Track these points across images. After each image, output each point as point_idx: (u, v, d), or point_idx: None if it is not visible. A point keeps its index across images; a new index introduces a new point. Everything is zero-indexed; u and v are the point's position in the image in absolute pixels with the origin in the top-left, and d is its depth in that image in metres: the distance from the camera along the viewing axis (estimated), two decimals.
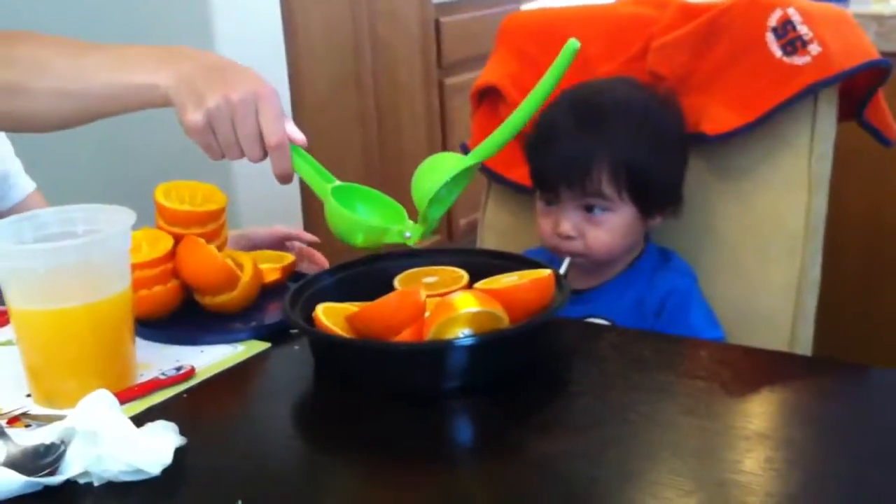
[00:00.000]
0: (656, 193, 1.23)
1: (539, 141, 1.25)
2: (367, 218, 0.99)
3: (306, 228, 2.07)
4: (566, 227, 1.22)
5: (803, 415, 0.87)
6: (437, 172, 0.95)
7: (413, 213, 0.99)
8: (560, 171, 1.20)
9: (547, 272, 0.97)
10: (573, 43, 0.91)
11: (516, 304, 0.92)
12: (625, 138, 1.20)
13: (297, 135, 0.96)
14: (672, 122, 1.25)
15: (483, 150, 0.96)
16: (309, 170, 0.98)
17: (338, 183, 0.98)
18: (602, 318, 1.24)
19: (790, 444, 0.80)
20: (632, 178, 1.20)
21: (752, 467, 0.75)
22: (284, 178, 0.97)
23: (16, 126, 1.09)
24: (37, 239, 0.93)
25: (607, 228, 1.22)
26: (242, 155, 0.96)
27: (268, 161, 0.96)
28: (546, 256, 1.27)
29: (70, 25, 2.18)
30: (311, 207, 2.28)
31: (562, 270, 1.21)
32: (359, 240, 0.97)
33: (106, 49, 1.00)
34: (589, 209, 1.22)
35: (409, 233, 0.96)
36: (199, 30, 2.04)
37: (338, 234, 0.97)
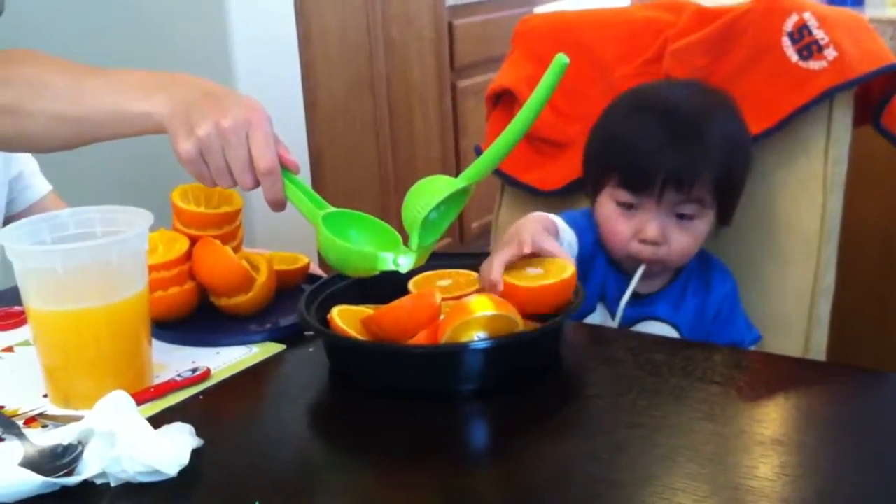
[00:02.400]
0: (735, 200, 1.24)
1: (634, 147, 1.20)
2: (359, 245, 0.94)
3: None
4: (654, 232, 1.18)
5: (818, 420, 0.87)
6: (426, 196, 0.91)
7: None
8: (670, 178, 1.16)
9: (570, 270, 0.97)
10: (561, 58, 0.86)
11: (541, 301, 0.93)
12: (722, 148, 1.18)
13: (290, 159, 0.94)
14: (747, 129, 1.24)
15: (474, 171, 0.92)
16: (301, 196, 0.94)
17: (330, 209, 0.95)
18: (668, 322, 1.23)
19: (805, 450, 0.80)
20: (726, 187, 1.20)
21: (766, 473, 0.75)
22: (276, 205, 0.95)
23: (16, 146, 1.09)
24: (55, 240, 0.93)
25: (693, 234, 1.20)
26: (235, 183, 0.94)
27: None
28: (584, 223, 1.24)
29: (86, 33, 2.19)
30: None
31: (635, 280, 1.19)
32: (350, 267, 0.94)
33: (105, 74, 1.00)
34: (680, 216, 1.19)
35: (403, 259, 0.92)
36: (215, 35, 2.05)
37: (330, 262, 0.94)
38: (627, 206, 1.20)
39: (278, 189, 0.93)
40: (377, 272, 0.92)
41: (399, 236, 0.95)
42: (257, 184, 0.93)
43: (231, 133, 0.91)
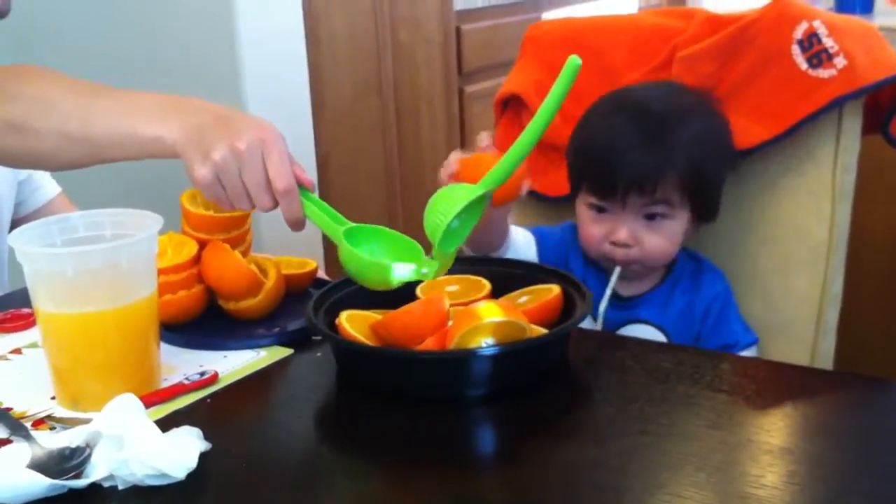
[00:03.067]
0: (711, 200, 1.24)
1: (600, 151, 1.22)
2: (381, 258, 0.94)
3: (326, 246, 2.08)
4: (624, 234, 1.20)
5: (826, 429, 0.87)
6: (447, 204, 0.91)
7: (429, 248, 0.95)
8: (632, 182, 1.18)
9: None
10: (574, 59, 0.87)
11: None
12: (689, 148, 1.19)
13: (305, 177, 0.95)
14: (725, 127, 1.25)
15: (493, 177, 0.93)
16: (320, 214, 0.95)
17: (350, 225, 0.95)
18: (652, 324, 1.24)
19: (813, 459, 0.80)
20: (695, 186, 1.20)
21: (774, 481, 0.75)
22: (295, 224, 0.95)
23: (22, 164, 1.09)
24: (65, 242, 0.94)
25: (665, 234, 1.21)
26: (253, 205, 0.94)
27: None
28: (561, 237, 1.30)
29: (93, 36, 2.20)
30: None
31: (612, 281, 1.21)
32: (374, 280, 0.93)
33: (115, 95, 0.99)
34: (650, 216, 1.21)
35: (426, 269, 0.93)
36: (223, 38, 2.05)
37: (353, 276, 0.94)
38: (599, 210, 1.23)
39: (297, 208, 0.93)
40: (402, 284, 0.92)
41: (420, 247, 0.95)
42: (275, 204, 0.93)
43: (247, 154, 0.91)
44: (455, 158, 1.10)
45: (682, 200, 1.20)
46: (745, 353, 1.22)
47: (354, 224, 0.95)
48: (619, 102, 1.25)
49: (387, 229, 0.97)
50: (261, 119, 0.95)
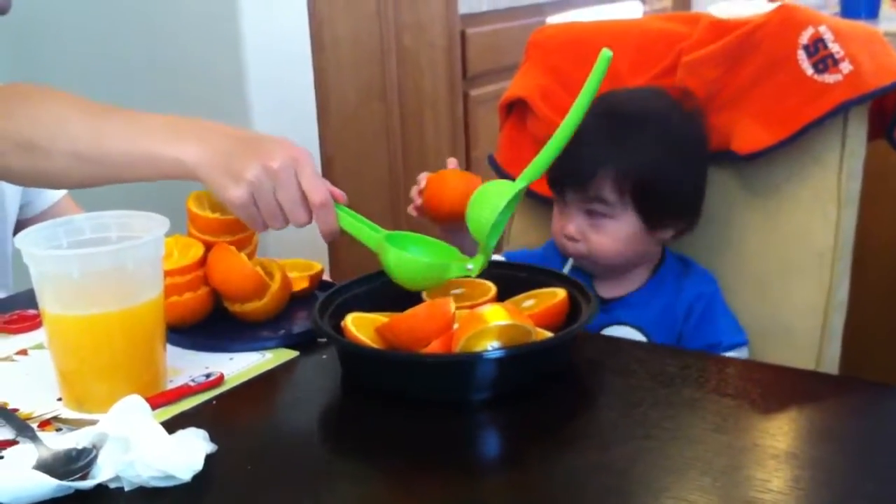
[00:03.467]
0: (664, 205, 1.23)
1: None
2: (426, 259, 0.99)
3: (331, 250, 2.08)
4: (570, 229, 1.25)
5: (831, 434, 0.87)
6: (492, 200, 0.96)
7: None
8: (566, 174, 1.22)
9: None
10: (606, 52, 0.92)
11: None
12: (635, 146, 1.21)
13: (337, 191, 0.98)
14: (692, 135, 1.26)
15: (531, 171, 0.98)
16: (357, 224, 0.99)
17: (388, 232, 0.99)
18: (632, 326, 1.24)
19: (818, 464, 0.80)
20: (638, 187, 1.21)
21: (779, 486, 0.75)
22: (331, 236, 0.98)
23: (30, 182, 1.10)
24: (71, 244, 0.94)
25: (608, 234, 1.23)
26: (287, 223, 0.97)
27: None
28: (542, 255, 1.34)
29: (96, 38, 2.20)
30: None
31: (565, 270, 1.24)
32: (423, 282, 0.98)
33: (124, 115, 1.01)
34: (591, 213, 1.23)
35: (471, 265, 0.98)
36: (227, 42, 2.05)
37: (401, 281, 0.98)
38: (562, 205, 1.27)
39: (333, 220, 0.97)
40: (447, 280, 0.99)
41: (453, 248, 1.01)
42: (310, 219, 0.96)
43: (282, 172, 0.94)
44: (423, 176, 1.20)
45: (621, 201, 1.21)
46: (732, 354, 1.21)
47: (390, 232, 0.99)
48: (598, 102, 1.25)
49: (420, 235, 1.02)
50: (284, 138, 0.97)
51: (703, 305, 1.24)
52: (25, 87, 1.04)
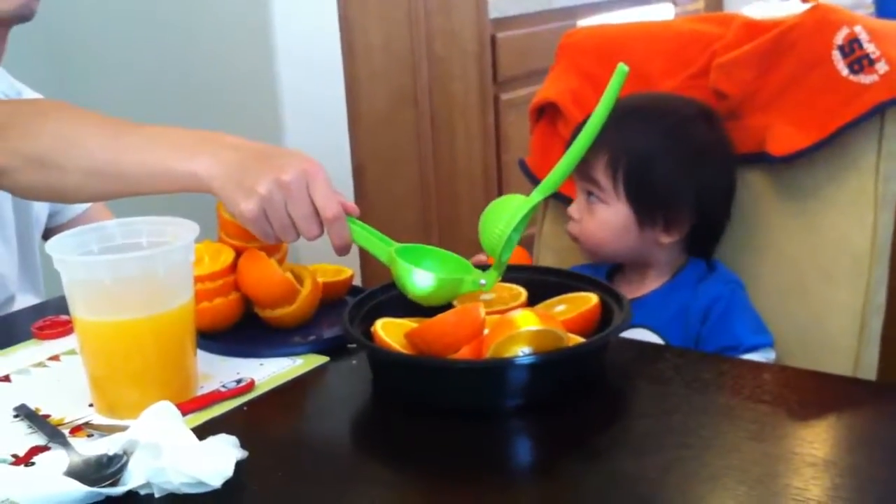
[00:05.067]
0: (654, 198, 1.22)
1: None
2: (438, 273, 0.98)
3: (361, 255, 2.08)
4: (572, 208, 1.27)
5: (870, 441, 0.85)
6: (505, 214, 0.96)
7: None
8: None
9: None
10: (623, 67, 0.92)
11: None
12: (632, 132, 1.21)
13: (350, 204, 0.98)
14: (701, 138, 1.24)
15: (546, 185, 0.97)
16: (369, 237, 0.99)
17: (398, 245, 0.98)
18: (647, 328, 1.23)
19: (857, 472, 0.78)
20: (629, 174, 1.21)
21: (818, 495, 0.73)
22: (344, 249, 0.98)
23: (45, 197, 1.11)
24: (102, 250, 0.94)
25: (598, 220, 1.24)
26: (299, 236, 0.97)
27: None
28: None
29: (129, 47, 2.22)
30: None
31: None
32: (435, 296, 0.97)
33: (140, 129, 1.01)
34: (590, 197, 1.25)
35: (484, 280, 0.97)
36: (259, 50, 2.06)
37: (412, 295, 0.97)
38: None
39: (346, 234, 0.97)
40: (459, 296, 0.98)
41: (467, 261, 1.00)
42: (322, 232, 0.96)
43: (293, 186, 0.94)
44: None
45: (614, 187, 1.22)
46: (755, 356, 1.19)
47: (402, 244, 0.98)
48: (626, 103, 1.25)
49: (433, 247, 1.01)
50: (299, 151, 0.98)
51: (721, 307, 1.22)
52: (42, 103, 1.06)
